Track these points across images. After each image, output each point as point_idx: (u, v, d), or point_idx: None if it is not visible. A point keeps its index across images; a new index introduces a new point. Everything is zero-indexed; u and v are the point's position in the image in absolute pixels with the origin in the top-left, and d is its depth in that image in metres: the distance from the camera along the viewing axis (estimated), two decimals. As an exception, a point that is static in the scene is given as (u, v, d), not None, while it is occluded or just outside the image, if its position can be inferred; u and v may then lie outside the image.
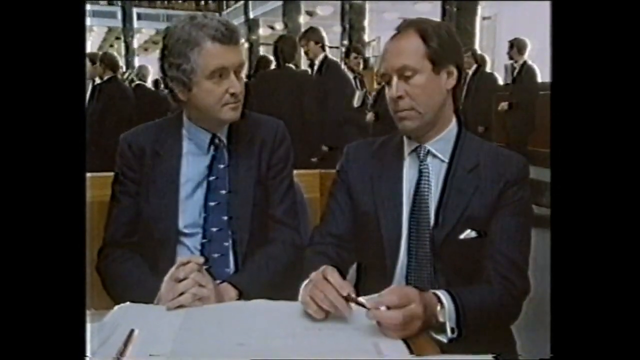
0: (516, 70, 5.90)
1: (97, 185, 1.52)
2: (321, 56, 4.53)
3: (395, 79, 1.28)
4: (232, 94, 1.32)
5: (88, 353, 0.84)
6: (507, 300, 1.22)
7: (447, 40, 1.28)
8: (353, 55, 6.10)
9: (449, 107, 1.33)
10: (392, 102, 1.29)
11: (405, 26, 1.30)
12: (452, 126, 1.34)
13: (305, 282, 1.13)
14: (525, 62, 5.84)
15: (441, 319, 1.10)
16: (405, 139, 1.36)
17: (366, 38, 12.18)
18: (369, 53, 11.08)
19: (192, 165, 1.41)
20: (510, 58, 5.98)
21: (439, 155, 1.32)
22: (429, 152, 1.32)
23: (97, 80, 5.33)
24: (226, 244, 1.40)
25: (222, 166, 1.42)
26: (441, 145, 1.32)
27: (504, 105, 5.91)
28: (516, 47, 5.85)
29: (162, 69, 1.35)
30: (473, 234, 1.27)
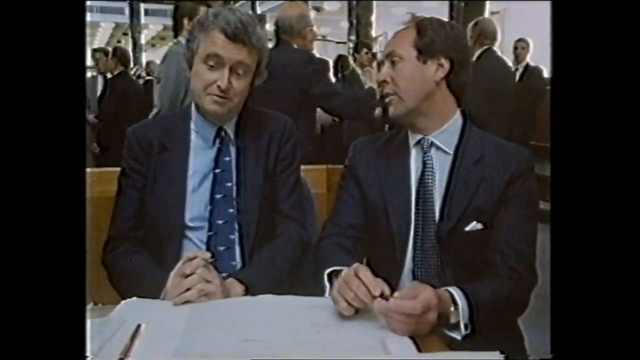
0: (519, 72, 5.67)
1: (99, 180, 1.53)
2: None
3: (385, 65, 1.32)
4: (218, 87, 1.32)
5: (88, 350, 0.84)
6: (516, 292, 1.22)
7: (444, 34, 1.31)
8: (364, 50, 6.07)
9: (444, 100, 1.33)
10: (379, 87, 1.35)
11: (411, 20, 1.35)
12: (456, 119, 1.35)
13: (330, 275, 1.16)
14: (527, 65, 5.67)
15: (453, 320, 1.10)
16: (409, 131, 1.37)
17: (373, 33, 12.13)
18: (376, 48, 11.06)
19: (199, 158, 1.41)
20: (517, 61, 5.76)
21: (443, 147, 1.33)
22: (432, 143, 1.34)
23: (108, 75, 5.35)
24: (232, 236, 1.40)
25: (227, 159, 1.42)
26: (445, 137, 1.33)
27: None
28: (521, 48, 5.71)
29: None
30: (479, 226, 1.28)
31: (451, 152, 1.32)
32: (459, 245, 1.28)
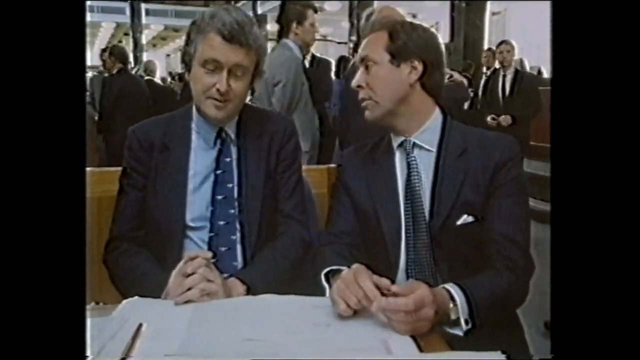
0: (508, 80, 4.93)
1: (100, 180, 1.53)
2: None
3: (360, 70, 1.34)
4: (218, 90, 1.32)
5: (89, 350, 0.85)
6: (514, 282, 1.22)
7: (416, 37, 1.32)
8: None
9: (420, 101, 1.34)
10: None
11: (382, 24, 1.37)
12: (435, 116, 1.36)
13: (327, 276, 1.19)
14: (517, 71, 4.97)
15: (453, 316, 1.10)
16: (392, 135, 1.39)
17: (374, 33, 12.10)
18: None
19: (200, 158, 1.41)
20: (503, 67, 5.00)
21: (425, 146, 1.34)
22: (414, 144, 1.35)
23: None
24: (233, 237, 1.40)
25: (228, 160, 1.42)
26: (426, 136, 1.34)
27: (507, 118, 4.73)
28: (506, 52, 4.92)
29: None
30: (470, 219, 1.28)
31: (434, 150, 1.33)
32: (452, 241, 1.29)
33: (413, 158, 1.34)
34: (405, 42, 1.31)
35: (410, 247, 1.31)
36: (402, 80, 1.31)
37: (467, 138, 1.33)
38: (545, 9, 0.92)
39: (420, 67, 1.31)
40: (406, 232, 1.32)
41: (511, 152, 1.30)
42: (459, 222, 1.28)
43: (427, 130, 1.35)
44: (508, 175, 1.28)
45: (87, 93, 6.81)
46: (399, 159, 1.37)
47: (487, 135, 1.36)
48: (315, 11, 3.18)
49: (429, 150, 1.33)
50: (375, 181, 1.37)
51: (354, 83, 1.35)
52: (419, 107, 1.34)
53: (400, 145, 1.36)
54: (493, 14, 10.28)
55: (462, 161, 1.30)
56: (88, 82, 6.67)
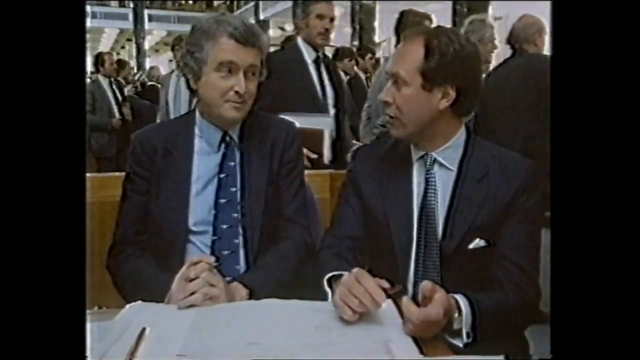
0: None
1: (102, 185, 1.54)
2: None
3: (389, 83, 1.28)
4: (237, 92, 1.33)
5: (88, 353, 0.85)
6: (520, 306, 1.21)
7: (451, 59, 1.22)
8: (368, 55, 6.08)
9: (447, 122, 1.29)
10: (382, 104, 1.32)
11: (420, 32, 1.28)
12: (460, 134, 1.32)
13: (330, 281, 1.17)
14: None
15: (456, 326, 1.09)
16: (412, 145, 1.34)
17: (376, 39, 12.16)
18: (379, 54, 11.11)
19: (203, 162, 1.42)
20: None
21: (446, 164, 1.30)
22: (435, 160, 1.30)
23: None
24: (236, 241, 1.40)
25: (232, 164, 1.42)
26: (448, 153, 1.30)
27: None
28: None
29: (182, 57, 1.39)
30: (482, 243, 1.26)
31: (454, 169, 1.29)
32: (461, 262, 1.26)
33: (432, 175, 1.30)
34: (441, 63, 1.21)
35: (419, 264, 1.29)
36: (432, 106, 1.25)
37: (489, 160, 1.29)
38: (547, 14, 0.92)
39: (453, 94, 1.24)
40: (417, 249, 1.29)
41: (531, 179, 1.27)
42: (471, 246, 1.26)
43: (450, 148, 1.30)
44: (526, 202, 1.25)
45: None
46: (417, 171, 1.32)
47: (509, 158, 1.31)
48: (431, 21, 3.25)
49: (449, 169, 1.30)
50: (390, 190, 1.33)
51: (382, 97, 1.28)
52: (445, 128, 1.29)
53: (421, 158, 1.32)
54: (495, 19, 10.26)
55: (483, 186, 1.26)
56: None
